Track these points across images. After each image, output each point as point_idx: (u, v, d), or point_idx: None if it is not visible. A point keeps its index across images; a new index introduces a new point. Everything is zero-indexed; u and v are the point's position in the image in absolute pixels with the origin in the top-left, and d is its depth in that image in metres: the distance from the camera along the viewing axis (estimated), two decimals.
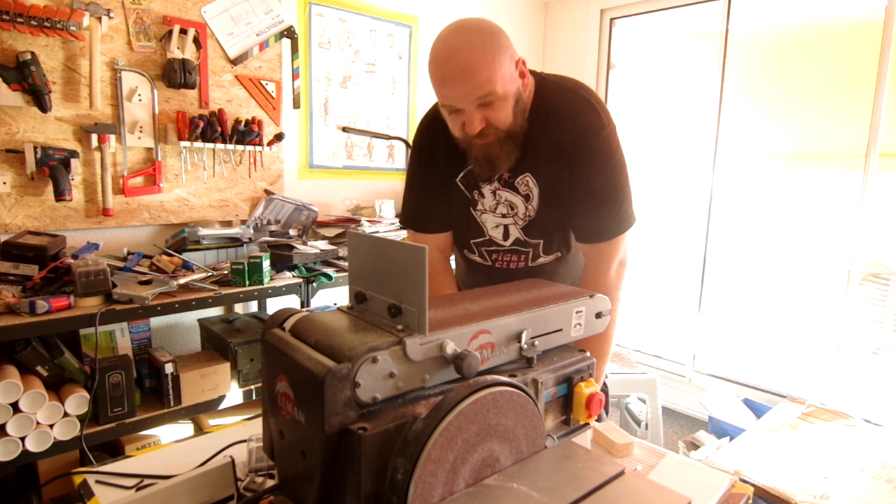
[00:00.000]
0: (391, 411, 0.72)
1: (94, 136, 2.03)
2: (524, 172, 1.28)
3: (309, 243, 2.36)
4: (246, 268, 1.99)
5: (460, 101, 1.13)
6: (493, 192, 1.33)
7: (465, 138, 1.20)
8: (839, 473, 1.92)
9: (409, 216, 1.45)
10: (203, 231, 2.13)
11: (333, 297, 2.73)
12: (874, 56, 2.53)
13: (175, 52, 2.17)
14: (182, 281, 1.89)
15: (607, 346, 1.29)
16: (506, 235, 1.35)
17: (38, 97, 1.88)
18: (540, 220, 1.32)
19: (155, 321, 2.24)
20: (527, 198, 1.30)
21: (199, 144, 2.26)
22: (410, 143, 3.03)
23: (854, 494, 1.80)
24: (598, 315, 1.03)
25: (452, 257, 1.53)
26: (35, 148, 1.91)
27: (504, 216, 1.34)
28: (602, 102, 1.26)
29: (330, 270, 2.23)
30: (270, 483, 0.95)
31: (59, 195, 1.92)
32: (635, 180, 1.30)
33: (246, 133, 2.37)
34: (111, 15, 2.01)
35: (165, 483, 0.87)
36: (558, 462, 0.81)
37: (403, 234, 2.63)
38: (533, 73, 1.27)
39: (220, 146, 2.32)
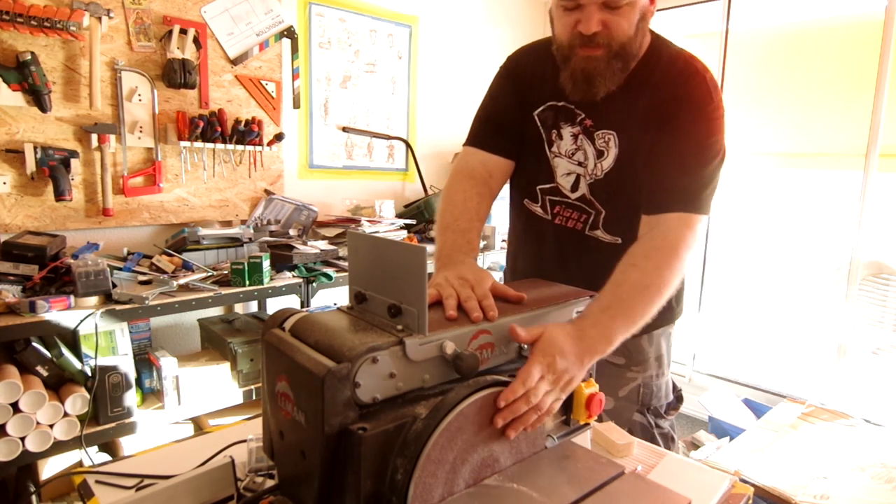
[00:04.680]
0: (391, 411, 0.72)
1: (94, 136, 2.03)
2: (609, 129, 1.17)
3: (309, 243, 2.36)
4: (246, 268, 1.99)
5: None
6: (575, 137, 1.20)
7: (570, 44, 1.07)
8: (839, 473, 1.92)
9: (476, 131, 1.29)
10: (203, 231, 2.13)
11: (333, 297, 2.73)
12: (874, 56, 2.53)
13: (175, 52, 2.17)
14: (182, 281, 1.89)
15: (636, 301, 0.97)
16: (575, 186, 1.24)
17: (38, 97, 1.88)
18: (606, 184, 1.20)
19: (155, 321, 2.24)
20: (600, 154, 1.19)
21: (199, 144, 2.26)
22: (410, 143, 3.03)
23: (854, 494, 1.80)
24: None
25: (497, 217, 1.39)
26: (35, 148, 1.91)
27: (580, 164, 1.22)
28: (716, 84, 1.13)
29: (330, 270, 2.23)
30: (270, 483, 0.95)
31: (59, 195, 1.92)
32: None
33: (246, 133, 2.36)
34: (111, 15, 2.01)
35: (165, 483, 0.87)
36: (558, 462, 0.81)
37: (403, 234, 2.63)
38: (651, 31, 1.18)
39: (220, 146, 2.32)
